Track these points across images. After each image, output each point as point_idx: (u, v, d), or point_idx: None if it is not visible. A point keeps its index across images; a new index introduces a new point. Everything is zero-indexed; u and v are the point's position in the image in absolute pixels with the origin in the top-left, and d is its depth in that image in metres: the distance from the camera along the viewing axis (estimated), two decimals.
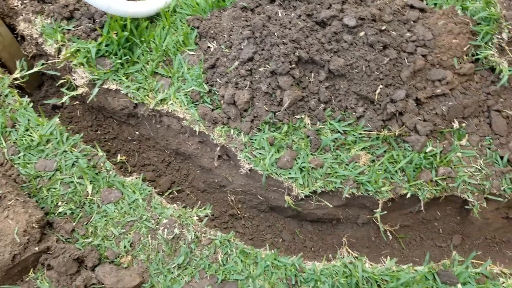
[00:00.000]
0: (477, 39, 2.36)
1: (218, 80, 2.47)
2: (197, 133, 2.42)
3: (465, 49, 2.36)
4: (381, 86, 2.32)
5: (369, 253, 2.46)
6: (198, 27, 2.63)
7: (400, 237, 2.49)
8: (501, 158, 2.30)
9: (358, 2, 2.60)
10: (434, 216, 2.47)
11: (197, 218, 2.25)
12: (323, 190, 2.28)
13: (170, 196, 2.64)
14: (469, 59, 2.38)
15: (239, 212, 2.58)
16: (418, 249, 2.47)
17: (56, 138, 2.38)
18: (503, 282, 2.08)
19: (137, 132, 2.77)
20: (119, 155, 2.68)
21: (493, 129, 2.36)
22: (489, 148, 2.34)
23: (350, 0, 2.59)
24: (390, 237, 2.44)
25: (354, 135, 2.36)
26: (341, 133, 2.36)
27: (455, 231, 2.49)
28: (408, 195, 2.27)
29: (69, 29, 2.62)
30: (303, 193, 2.27)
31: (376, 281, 2.07)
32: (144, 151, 2.77)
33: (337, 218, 2.48)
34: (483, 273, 2.10)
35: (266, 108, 2.37)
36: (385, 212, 2.31)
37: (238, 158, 2.35)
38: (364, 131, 2.35)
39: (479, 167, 2.29)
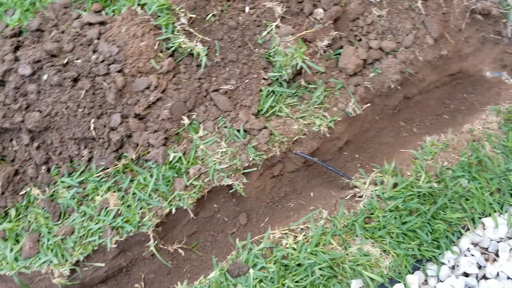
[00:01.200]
0: (162, 33, 2.28)
1: None
2: None
3: (156, 47, 2.27)
4: (93, 120, 2.13)
5: (171, 278, 2.34)
6: None
7: (193, 246, 2.42)
8: (238, 131, 2.32)
9: (36, 40, 2.31)
10: (213, 210, 2.45)
11: None
12: (86, 255, 2.05)
13: None
14: (166, 55, 2.30)
15: None
16: (215, 248, 2.44)
17: None
18: (286, 244, 2.15)
19: None
20: None
21: (220, 109, 2.36)
22: (225, 127, 2.34)
23: (26, 42, 2.30)
24: (183, 253, 2.35)
25: (92, 181, 2.14)
26: (77, 186, 2.13)
27: (238, 212, 2.51)
28: (173, 211, 2.17)
29: None
30: (65, 270, 2.01)
31: None
32: None
33: (123, 266, 2.29)
34: (267, 246, 2.14)
35: None
36: (163, 234, 2.20)
37: None
38: (101, 171, 2.15)
39: (224, 150, 2.28)
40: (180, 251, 2.32)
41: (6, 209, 2.04)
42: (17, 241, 2.01)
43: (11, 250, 1.98)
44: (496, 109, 2.53)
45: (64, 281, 2.07)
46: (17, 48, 2.24)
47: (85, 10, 2.43)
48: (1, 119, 2.02)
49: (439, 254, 2.14)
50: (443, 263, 2.14)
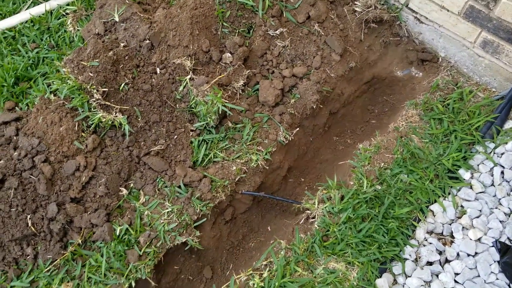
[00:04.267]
0: (79, 113, 2.30)
1: None
2: None
3: (76, 128, 2.28)
4: (29, 216, 2.08)
5: None
6: None
7: None
8: (179, 187, 2.33)
9: None
10: (175, 272, 2.40)
11: None
12: None
13: None
14: (89, 133, 2.31)
15: None
16: None
17: None
18: (253, 284, 2.13)
19: None
20: None
21: (156, 170, 2.37)
22: (166, 187, 2.35)
23: None
24: None
25: (43, 277, 2.06)
26: (29, 287, 2.04)
27: (201, 267, 2.47)
28: (133, 285, 2.11)
29: None
30: None
31: None
32: None
33: None
34: None
35: None
36: None
37: None
38: (50, 265, 2.08)
39: (169, 209, 2.27)
40: None
41: None
42: None
43: None
44: (412, 103, 2.69)
45: None
46: None
47: None
48: None
49: (400, 251, 2.19)
50: (406, 259, 2.19)
